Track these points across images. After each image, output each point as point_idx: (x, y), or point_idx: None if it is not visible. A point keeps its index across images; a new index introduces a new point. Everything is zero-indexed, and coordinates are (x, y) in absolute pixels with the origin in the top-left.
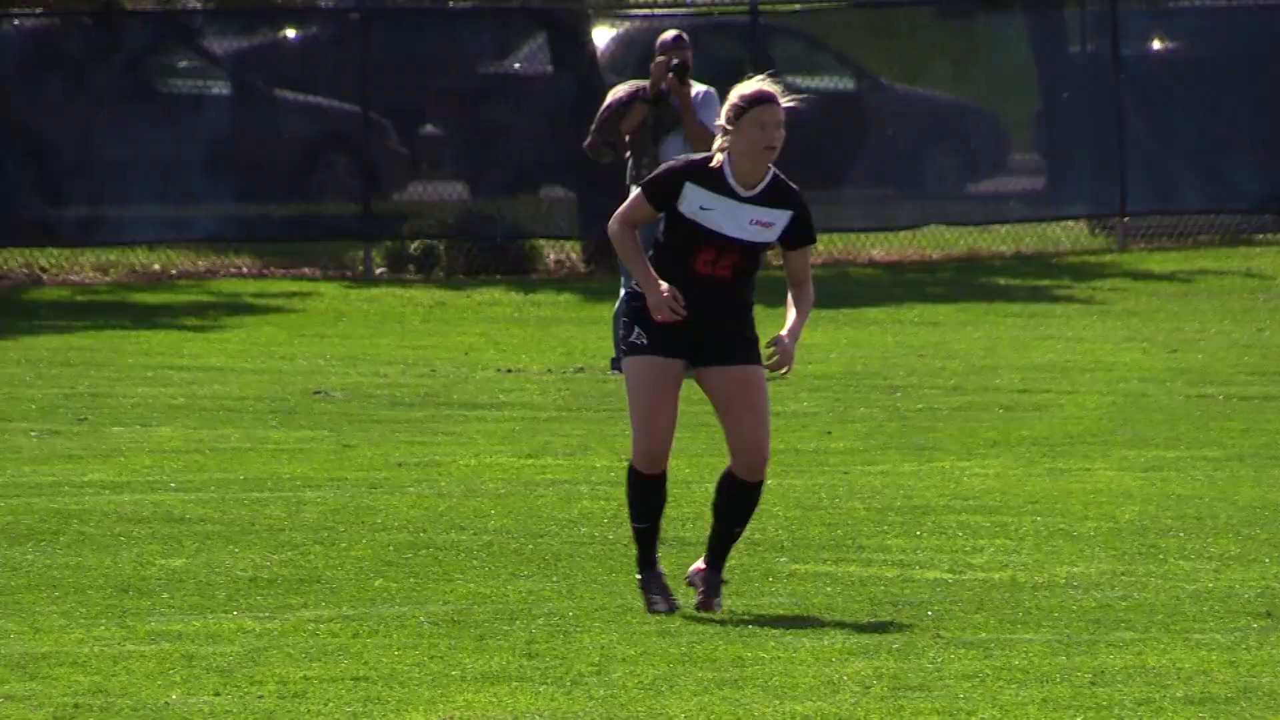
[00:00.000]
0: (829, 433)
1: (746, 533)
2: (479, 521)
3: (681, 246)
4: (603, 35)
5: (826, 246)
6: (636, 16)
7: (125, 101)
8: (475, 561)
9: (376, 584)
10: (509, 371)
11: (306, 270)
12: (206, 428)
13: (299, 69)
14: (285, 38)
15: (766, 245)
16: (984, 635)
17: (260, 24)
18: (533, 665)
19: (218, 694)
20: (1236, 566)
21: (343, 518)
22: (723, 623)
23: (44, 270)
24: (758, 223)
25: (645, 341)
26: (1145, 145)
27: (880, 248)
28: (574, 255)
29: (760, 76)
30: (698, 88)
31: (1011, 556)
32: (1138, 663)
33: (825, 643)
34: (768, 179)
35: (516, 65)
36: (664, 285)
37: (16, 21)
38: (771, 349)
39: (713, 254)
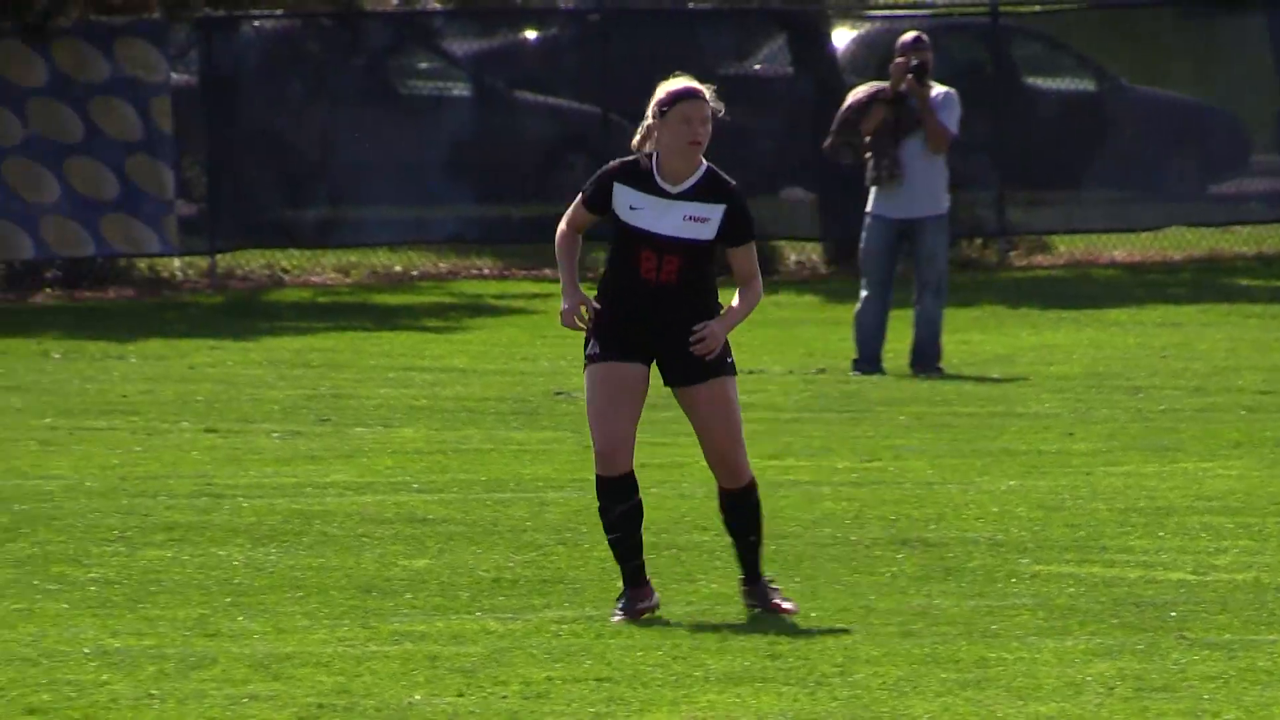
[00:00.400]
0: (1071, 434)
1: (989, 533)
2: (718, 523)
3: (624, 252)
4: (842, 36)
5: (1068, 247)
6: (876, 18)
7: (365, 103)
8: (718, 563)
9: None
10: (751, 373)
11: (547, 271)
12: (449, 429)
13: (538, 70)
14: (525, 39)
15: (705, 243)
16: (1228, 636)
17: (500, 25)
18: (775, 666)
19: (461, 694)
20: None
21: (585, 518)
22: (966, 624)
23: (285, 272)
24: (691, 218)
25: (598, 351)
26: None
27: (1122, 249)
28: (815, 256)
29: (684, 75)
30: (937, 89)
31: (1256, 558)
32: None
33: (1069, 644)
34: (699, 174)
35: (756, 66)
36: (578, 296)
37: (257, 23)
38: (697, 331)
39: (653, 257)
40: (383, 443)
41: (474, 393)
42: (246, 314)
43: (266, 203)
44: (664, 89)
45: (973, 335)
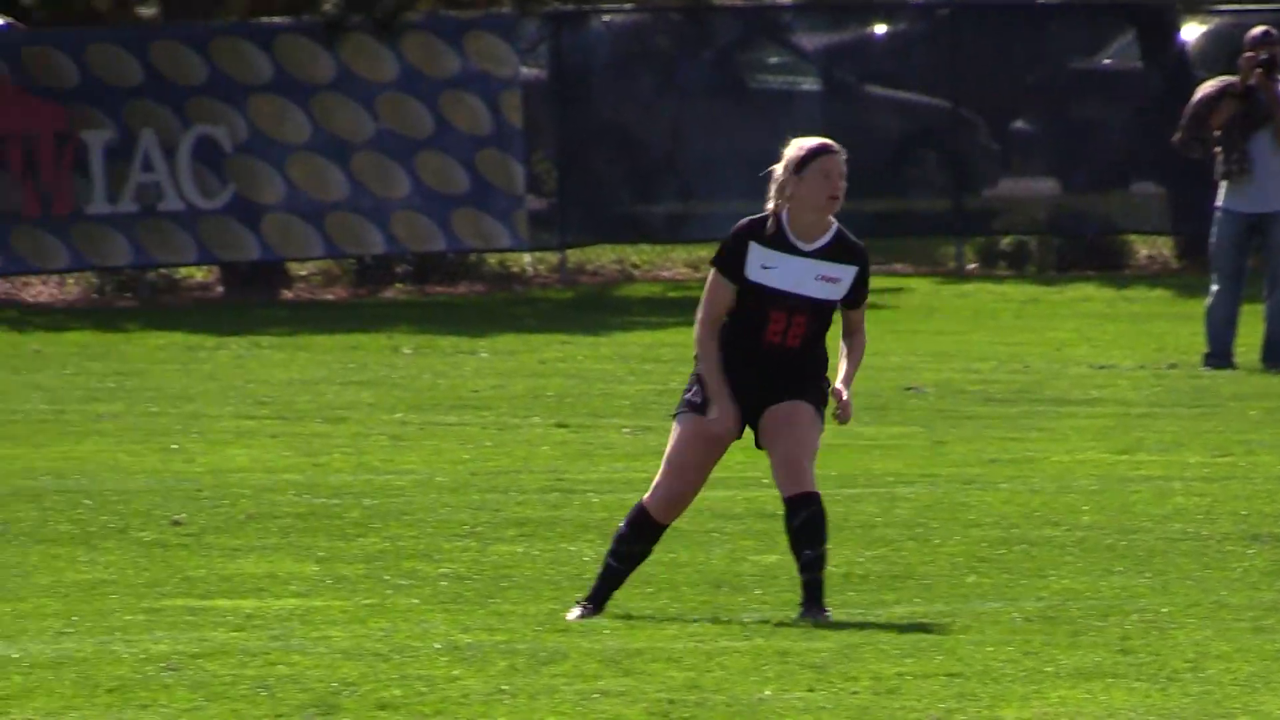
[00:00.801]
0: None
1: None
2: (1071, 517)
3: (751, 316)
4: (1191, 31)
5: None
6: (1225, 12)
7: (714, 97)
8: (1068, 557)
9: (969, 580)
10: (1102, 368)
11: (898, 266)
12: None
13: (888, 64)
14: (873, 33)
15: (834, 304)
16: None
17: (849, 19)
18: (1127, 661)
19: (811, 690)
20: None
21: (935, 514)
22: None
23: (635, 267)
24: (824, 278)
25: (699, 401)
26: None
27: None
28: (1165, 250)
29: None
30: None
31: None
32: None
33: None
34: (831, 233)
35: (1106, 61)
36: (730, 405)
37: (607, 18)
38: (834, 403)
39: (783, 319)
40: None
41: None
42: (597, 309)
43: (616, 197)
44: (798, 145)
45: None
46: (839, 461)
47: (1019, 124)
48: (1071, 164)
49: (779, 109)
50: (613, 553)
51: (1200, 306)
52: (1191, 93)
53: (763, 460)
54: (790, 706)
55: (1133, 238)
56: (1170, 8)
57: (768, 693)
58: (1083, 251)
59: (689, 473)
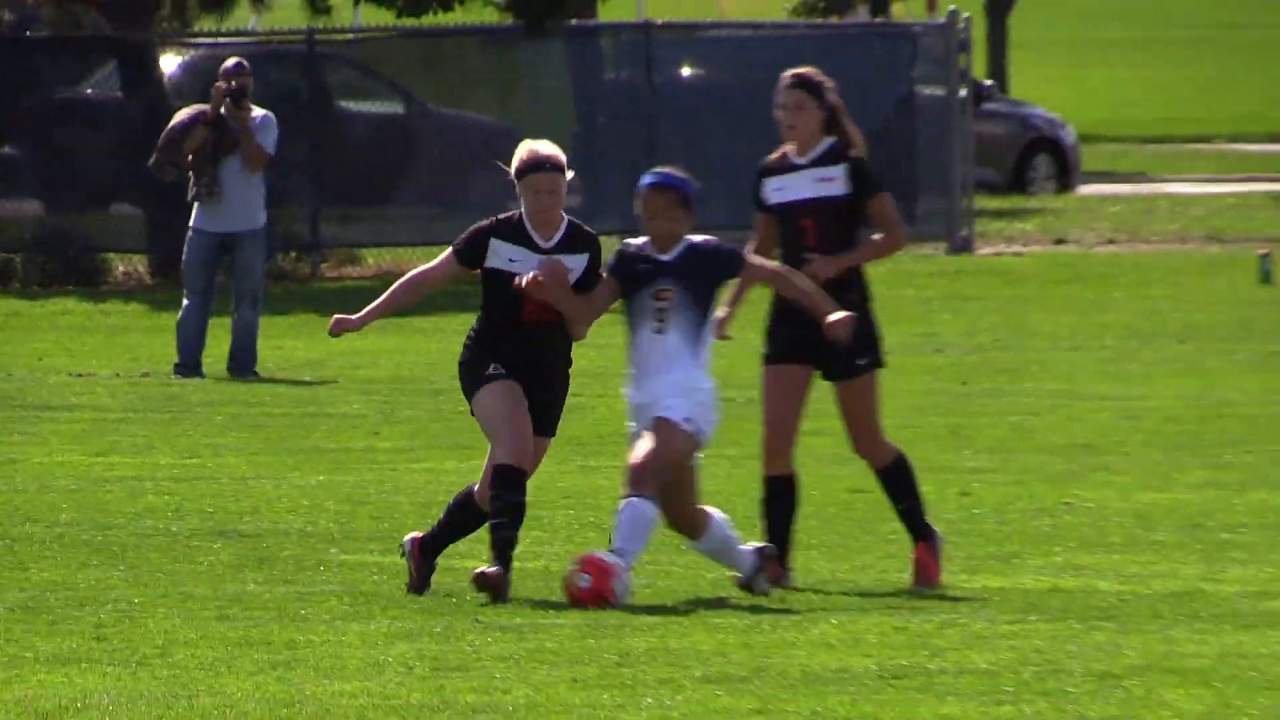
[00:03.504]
0: (377, 433)
1: (300, 525)
2: (51, 515)
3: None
4: (170, 62)
5: (376, 260)
6: (202, 45)
7: None
8: (48, 552)
9: None
10: (80, 376)
11: None
12: None
13: None
14: None
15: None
16: (519, 620)
17: None
18: (101, 648)
19: None
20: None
21: None
22: (278, 609)
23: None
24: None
25: (492, 369)
26: (676, 162)
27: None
28: (141, 268)
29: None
30: (257, 112)
31: (544, 547)
32: (660, 644)
33: (372, 627)
34: (563, 229)
35: (90, 90)
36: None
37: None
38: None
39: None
40: None
41: None
42: None
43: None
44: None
45: (287, 341)
46: None
47: (6, 149)
48: (55, 187)
49: None
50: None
51: (173, 319)
52: (169, 120)
53: None
54: None
55: (112, 255)
56: (149, 41)
57: None
58: (64, 268)
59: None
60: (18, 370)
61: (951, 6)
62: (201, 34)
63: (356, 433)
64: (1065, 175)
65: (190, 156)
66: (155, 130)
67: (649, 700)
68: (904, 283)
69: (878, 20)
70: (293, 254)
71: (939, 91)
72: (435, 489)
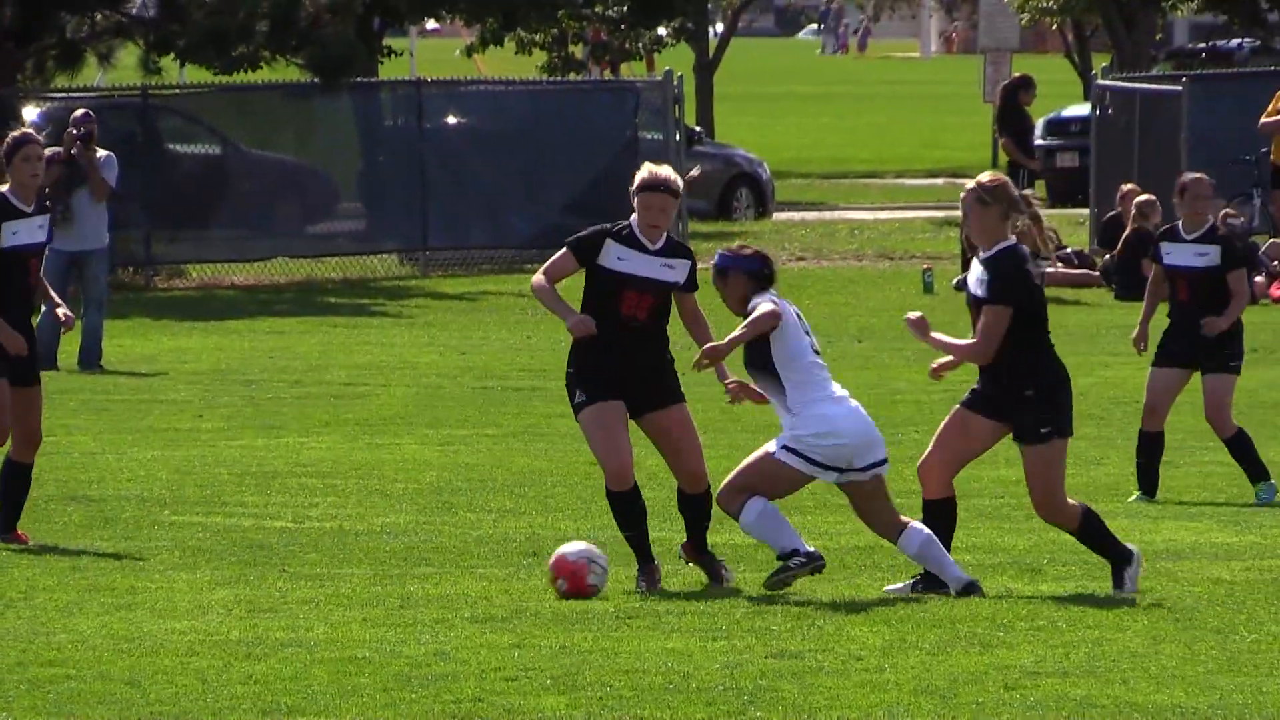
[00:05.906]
0: (201, 416)
1: (138, 491)
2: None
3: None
4: (31, 111)
5: (199, 273)
6: (57, 97)
7: None
8: None
9: None
10: None
11: None
12: None
13: None
14: None
15: (674, 285)
16: (319, 570)
17: None
18: None
19: None
20: (510, 518)
21: None
22: (120, 561)
23: None
24: (665, 267)
25: (586, 398)
26: (443, 196)
27: (240, 274)
28: None
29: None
30: (101, 153)
31: (340, 510)
32: (436, 591)
33: (198, 575)
34: (664, 239)
35: None
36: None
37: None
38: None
39: (634, 297)
40: None
41: None
42: None
43: None
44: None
45: (126, 340)
46: None
47: None
48: None
49: None
50: (622, 527)
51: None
52: None
53: None
54: None
55: None
56: (14, 93)
57: None
58: None
59: (615, 442)
60: None
61: (667, 67)
62: (57, 89)
63: (184, 415)
64: (762, 204)
65: (47, 189)
66: None
67: (426, 637)
68: None
69: (607, 79)
70: (130, 268)
71: (658, 136)
72: (249, 461)
